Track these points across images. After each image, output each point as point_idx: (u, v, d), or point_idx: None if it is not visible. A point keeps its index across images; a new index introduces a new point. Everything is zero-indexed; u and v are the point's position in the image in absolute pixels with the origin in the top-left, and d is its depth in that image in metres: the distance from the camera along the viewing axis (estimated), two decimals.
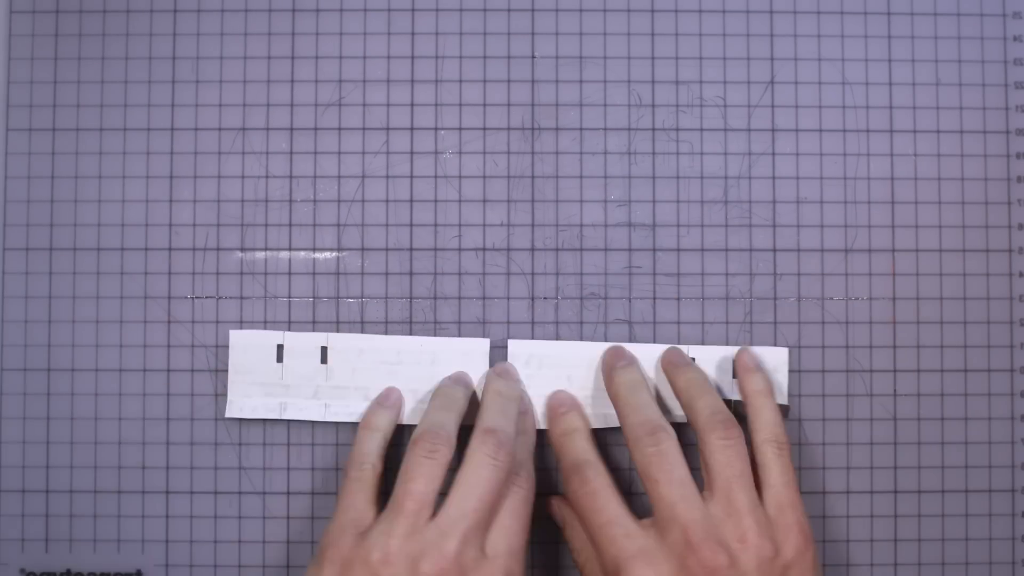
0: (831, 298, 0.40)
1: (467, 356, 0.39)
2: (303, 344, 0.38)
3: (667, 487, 0.33)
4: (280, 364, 0.38)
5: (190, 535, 0.39)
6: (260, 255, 0.40)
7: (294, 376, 0.38)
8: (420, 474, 0.33)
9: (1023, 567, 0.40)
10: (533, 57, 0.40)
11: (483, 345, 0.39)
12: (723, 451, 0.34)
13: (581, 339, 0.40)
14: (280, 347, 0.38)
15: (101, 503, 0.39)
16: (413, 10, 0.40)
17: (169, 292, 0.40)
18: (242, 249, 0.40)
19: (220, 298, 0.40)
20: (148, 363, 0.39)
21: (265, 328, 0.39)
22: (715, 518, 0.33)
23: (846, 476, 0.39)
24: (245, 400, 0.38)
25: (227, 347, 0.39)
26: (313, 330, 0.39)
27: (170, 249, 0.40)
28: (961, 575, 0.39)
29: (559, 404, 0.38)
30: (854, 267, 0.40)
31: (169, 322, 0.39)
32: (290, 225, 0.40)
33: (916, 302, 0.40)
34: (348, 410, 0.38)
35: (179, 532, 0.39)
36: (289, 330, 0.39)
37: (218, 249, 0.40)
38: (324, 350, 0.38)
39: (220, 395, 0.39)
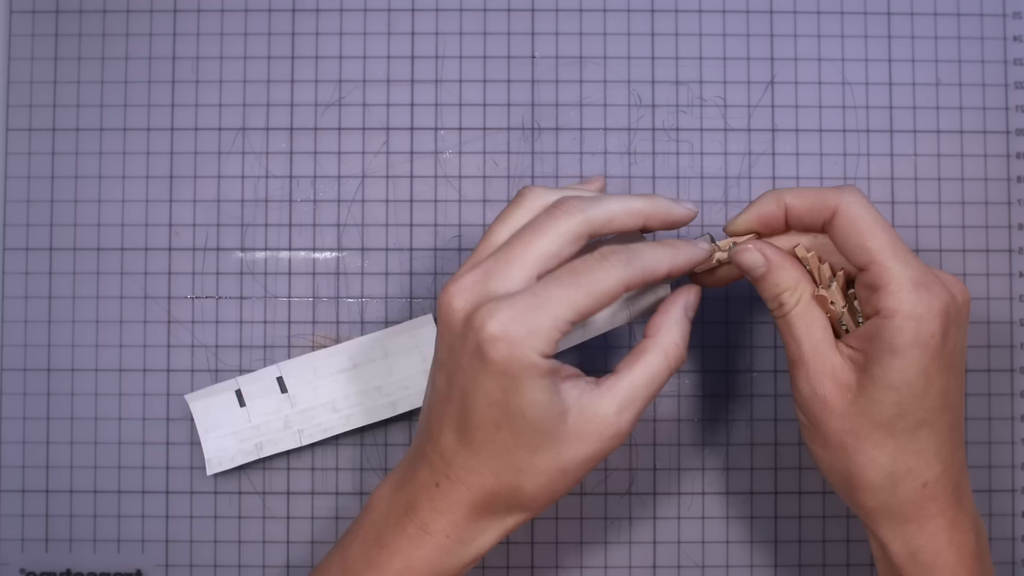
0: None
1: (415, 336, 0.38)
2: (260, 382, 0.38)
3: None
4: (244, 408, 0.38)
5: (190, 535, 0.39)
6: (260, 255, 0.40)
7: (260, 414, 0.38)
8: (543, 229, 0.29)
9: (1023, 567, 0.40)
10: (533, 57, 0.40)
11: (428, 322, 0.38)
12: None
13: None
14: (239, 392, 0.38)
15: (101, 503, 0.39)
16: (413, 10, 0.40)
17: (169, 292, 0.40)
18: (242, 249, 0.40)
19: (220, 298, 0.40)
20: (148, 363, 0.39)
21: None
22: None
23: None
24: (222, 453, 0.38)
25: (227, 348, 0.39)
26: (313, 331, 0.39)
27: (170, 249, 0.40)
28: None
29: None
30: None
31: (169, 322, 0.39)
32: (290, 225, 0.40)
33: None
34: (321, 428, 0.38)
35: (179, 532, 0.39)
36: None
37: (218, 249, 0.40)
38: (280, 380, 0.38)
39: None
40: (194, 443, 0.39)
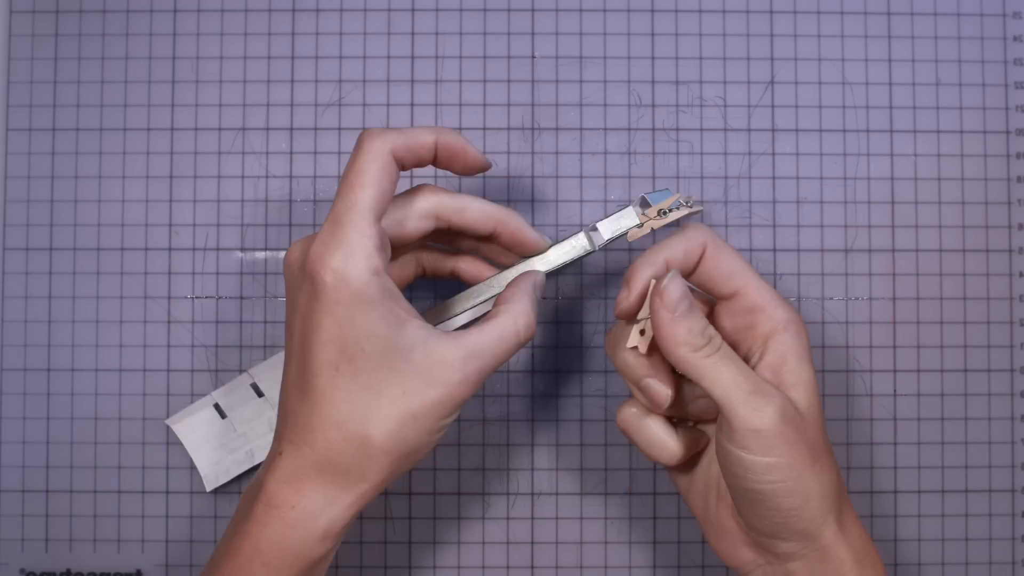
0: (831, 298, 0.40)
1: None
2: (235, 392, 0.38)
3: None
4: (226, 419, 0.38)
5: (190, 535, 0.39)
6: (260, 255, 0.40)
7: (243, 422, 0.38)
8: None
9: (1023, 567, 0.40)
10: (533, 57, 0.40)
11: None
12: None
13: (583, 339, 0.40)
14: (217, 406, 0.38)
15: (101, 503, 0.39)
16: (413, 10, 0.40)
17: (169, 292, 0.40)
18: (242, 249, 0.40)
19: (220, 298, 0.40)
20: (148, 363, 0.39)
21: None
22: None
23: (846, 476, 0.39)
24: (217, 467, 0.38)
25: (227, 348, 0.39)
26: None
27: (170, 249, 0.40)
28: (961, 575, 0.39)
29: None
30: (854, 267, 0.40)
31: (169, 322, 0.39)
32: (290, 225, 0.40)
33: (916, 302, 0.40)
34: None
35: (179, 532, 0.39)
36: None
37: (218, 249, 0.40)
38: (255, 386, 0.38)
39: None
40: None
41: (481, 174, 0.40)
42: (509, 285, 0.33)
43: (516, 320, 0.31)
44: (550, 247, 0.34)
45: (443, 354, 0.29)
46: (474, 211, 0.32)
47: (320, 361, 0.28)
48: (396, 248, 0.31)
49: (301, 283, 0.29)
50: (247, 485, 0.32)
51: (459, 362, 0.29)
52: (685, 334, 0.30)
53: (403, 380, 0.29)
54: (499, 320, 0.31)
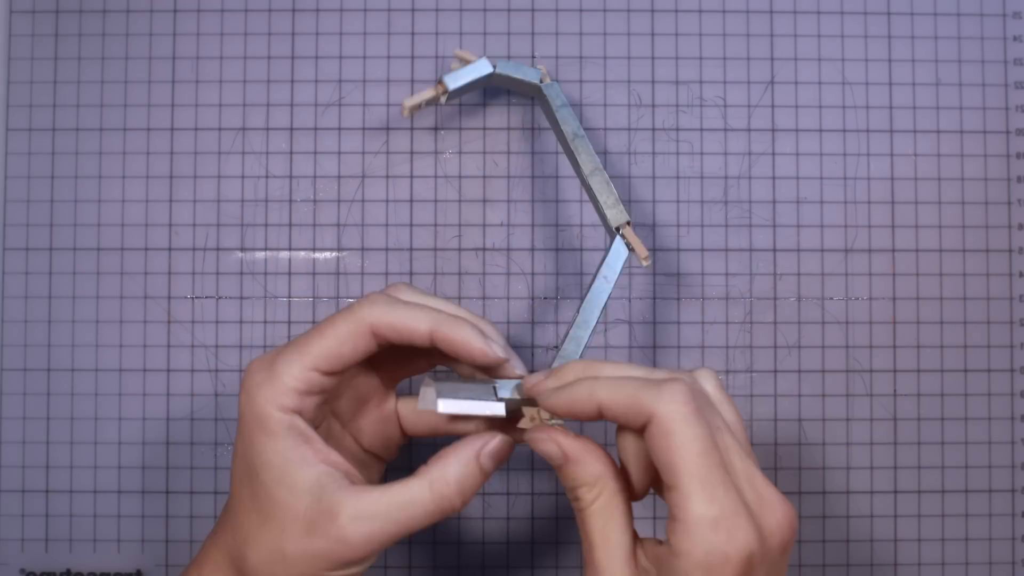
0: (831, 298, 0.40)
1: None
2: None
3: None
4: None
5: (190, 535, 0.39)
6: (260, 255, 0.40)
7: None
8: None
9: (1023, 567, 0.40)
10: (533, 57, 0.40)
11: None
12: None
13: None
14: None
15: (101, 503, 0.39)
16: (413, 10, 0.40)
17: (169, 292, 0.40)
18: (242, 249, 0.40)
19: (220, 298, 0.40)
20: (148, 363, 0.39)
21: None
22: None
23: (846, 476, 0.39)
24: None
25: (227, 348, 0.39)
26: None
27: (170, 249, 0.40)
28: (961, 575, 0.39)
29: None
30: (854, 267, 0.40)
31: (169, 322, 0.39)
32: (290, 225, 0.40)
33: (916, 302, 0.40)
34: None
35: (179, 532, 0.39)
36: (289, 331, 0.39)
37: (218, 249, 0.40)
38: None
39: (220, 395, 0.39)
40: (194, 443, 0.39)
41: (481, 175, 0.40)
42: (453, 444, 0.30)
43: (433, 490, 0.29)
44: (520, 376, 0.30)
45: (331, 506, 0.28)
46: (411, 324, 0.30)
47: (235, 468, 0.30)
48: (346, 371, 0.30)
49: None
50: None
51: (345, 519, 0.28)
52: (561, 482, 0.30)
53: (287, 519, 0.28)
54: (410, 484, 0.29)
